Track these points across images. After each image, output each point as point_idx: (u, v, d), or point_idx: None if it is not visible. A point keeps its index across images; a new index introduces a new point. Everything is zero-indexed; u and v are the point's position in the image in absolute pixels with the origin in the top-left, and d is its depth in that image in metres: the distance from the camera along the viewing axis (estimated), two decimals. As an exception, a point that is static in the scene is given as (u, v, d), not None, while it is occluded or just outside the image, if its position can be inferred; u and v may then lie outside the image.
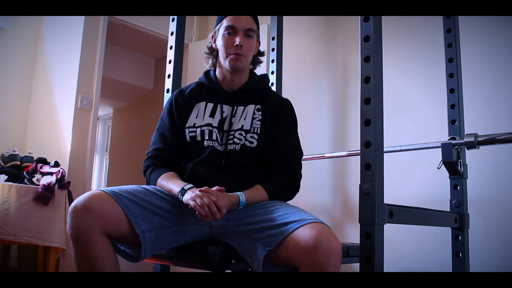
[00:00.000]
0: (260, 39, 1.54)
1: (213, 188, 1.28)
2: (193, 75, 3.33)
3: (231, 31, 1.44)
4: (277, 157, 1.43)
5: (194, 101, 1.50)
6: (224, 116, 1.46)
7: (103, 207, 1.18)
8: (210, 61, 1.53)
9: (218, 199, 1.22)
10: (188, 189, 1.28)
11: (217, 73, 1.53)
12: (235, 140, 1.42)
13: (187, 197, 1.25)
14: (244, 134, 1.42)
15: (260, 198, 1.34)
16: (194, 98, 1.51)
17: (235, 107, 1.47)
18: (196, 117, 1.47)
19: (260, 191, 1.35)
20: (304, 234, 1.11)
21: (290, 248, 1.13)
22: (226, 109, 1.47)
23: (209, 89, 1.52)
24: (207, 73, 1.56)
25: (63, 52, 3.19)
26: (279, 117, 1.47)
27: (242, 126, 1.43)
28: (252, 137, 1.42)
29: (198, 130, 1.45)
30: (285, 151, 1.44)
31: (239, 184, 1.35)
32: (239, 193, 1.30)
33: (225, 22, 1.45)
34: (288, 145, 1.45)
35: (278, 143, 1.44)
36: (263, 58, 1.58)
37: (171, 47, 1.83)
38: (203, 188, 1.26)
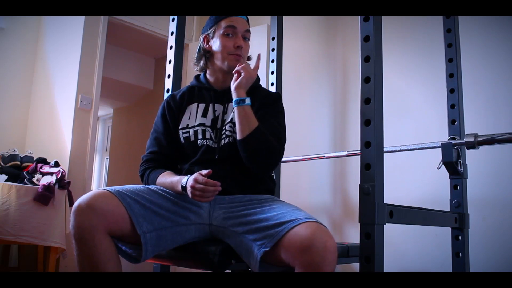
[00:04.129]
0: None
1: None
2: (193, 75, 3.31)
3: (231, 32, 1.44)
4: None
5: (186, 103, 1.51)
6: (216, 115, 1.46)
7: (107, 207, 1.18)
8: (202, 62, 1.53)
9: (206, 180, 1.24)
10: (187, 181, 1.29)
11: (208, 75, 1.54)
12: (227, 133, 1.42)
13: (188, 193, 1.28)
14: (233, 127, 1.42)
15: (252, 119, 1.34)
16: (185, 100, 1.52)
17: (226, 104, 1.48)
18: (189, 118, 1.48)
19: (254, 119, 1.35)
20: (298, 233, 1.11)
21: (285, 248, 1.13)
22: (218, 107, 1.48)
23: (200, 91, 1.53)
24: (197, 77, 1.57)
25: (63, 52, 3.19)
26: (265, 104, 1.46)
27: (232, 119, 1.44)
28: None
29: (191, 130, 1.45)
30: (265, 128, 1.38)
31: (233, 177, 1.36)
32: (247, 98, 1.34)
33: (223, 24, 1.45)
34: (269, 126, 1.39)
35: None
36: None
37: (171, 47, 1.83)
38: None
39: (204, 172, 1.26)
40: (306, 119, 2.73)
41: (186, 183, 1.29)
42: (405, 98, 2.35)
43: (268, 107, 1.46)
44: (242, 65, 1.40)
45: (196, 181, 1.25)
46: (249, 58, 1.56)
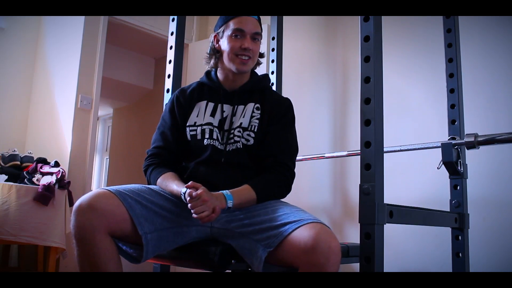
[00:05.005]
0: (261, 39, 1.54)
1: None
2: (193, 75, 3.33)
3: (239, 34, 1.43)
4: (269, 152, 1.42)
5: (195, 100, 1.51)
6: (224, 116, 1.46)
7: (108, 207, 1.18)
8: (212, 61, 1.52)
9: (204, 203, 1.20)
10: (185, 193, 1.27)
11: (218, 73, 1.52)
12: (235, 138, 1.42)
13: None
14: (242, 132, 1.43)
15: (247, 199, 1.31)
16: (195, 97, 1.51)
17: (236, 106, 1.47)
18: (197, 116, 1.47)
19: (248, 192, 1.32)
20: (303, 234, 1.11)
21: (289, 249, 1.13)
22: (227, 108, 1.47)
23: (210, 89, 1.52)
24: (208, 73, 1.55)
25: (63, 52, 3.19)
26: (276, 114, 1.47)
27: (241, 123, 1.44)
28: (248, 135, 1.42)
29: (199, 128, 1.45)
30: (278, 147, 1.42)
31: (239, 183, 1.35)
32: (227, 194, 1.27)
33: (232, 25, 1.43)
34: (282, 141, 1.43)
35: (272, 138, 1.43)
36: (263, 61, 1.58)
37: (171, 47, 1.83)
38: (191, 192, 1.23)
39: (194, 193, 1.22)
40: (306, 119, 2.73)
41: (183, 193, 1.27)
42: (405, 98, 2.35)
43: (280, 120, 1.46)
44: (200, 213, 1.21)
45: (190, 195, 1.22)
46: (262, 55, 1.54)
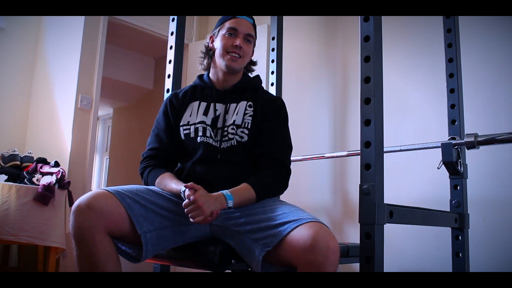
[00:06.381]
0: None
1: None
2: (193, 75, 3.31)
3: (232, 32, 1.47)
4: (264, 149, 1.42)
5: (187, 101, 1.53)
6: (217, 114, 1.48)
7: (107, 207, 1.18)
8: (205, 61, 1.55)
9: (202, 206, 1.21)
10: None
11: (210, 74, 1.55)
12: (230, 136, 1.43)
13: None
14: (235, 129, 1.43)
15: (247, 198, 1.31)
16: (187, 98, 1.54)
17: (228, 104, 1.49)
18: (190, 116, 1.49)
19: (248, 191, 1.32)
20: (301, 233, 1.11)
21: (288, 248, 1.13)
22: (219, 107, 1.49)
23: (202, 90, 1.55)
24: (200, 76, 1.59)
25: (63, 52, 3.19)
26: (270, 112, 1.48)
27: (234, 121, 1.45)
28: (242, 132, 1.43)
29: (192, 127, 1.46)
30: (273, 144, 1.43)
31: (236, 181, 1.35)
32: (227, 194, 1.27)
33: (227, 24, 1.48)
34: (276, 138, 1.44)
35: (266, 136, 1.44)
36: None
37: (171, 47, 1.83)
38: (190, 194, 1.23)
39: (192, 197, 1.22)
40: (306, 119, 2.73)
41: (183, 192, 1.28)
42: (405, 98, 2.35)
43: (274, 117, 1.47)
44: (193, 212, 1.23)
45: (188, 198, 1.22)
46: (254, 63, 1.58)
